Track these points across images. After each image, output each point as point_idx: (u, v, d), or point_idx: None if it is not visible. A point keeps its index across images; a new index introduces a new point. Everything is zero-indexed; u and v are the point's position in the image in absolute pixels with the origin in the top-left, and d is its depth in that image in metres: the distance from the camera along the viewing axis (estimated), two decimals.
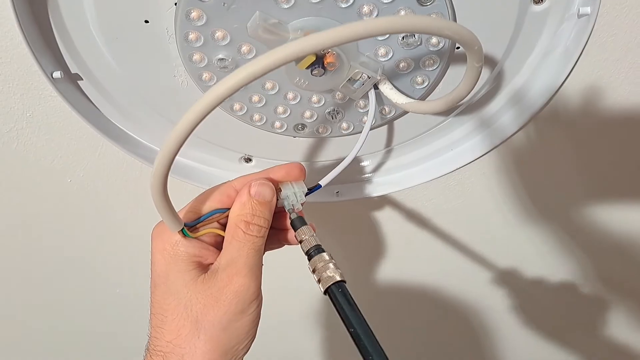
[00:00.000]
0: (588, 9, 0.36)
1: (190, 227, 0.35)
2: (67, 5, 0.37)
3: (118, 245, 0.65)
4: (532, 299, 0.76)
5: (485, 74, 0.42)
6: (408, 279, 0.73)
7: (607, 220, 0.63)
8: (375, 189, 0.54)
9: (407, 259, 0.68)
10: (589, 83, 0.45)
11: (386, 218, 0.63)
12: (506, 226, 0.65)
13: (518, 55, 0.41)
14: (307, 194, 0.38)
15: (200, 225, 0.36)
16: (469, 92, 0.34)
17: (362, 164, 0.53)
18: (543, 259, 0.68)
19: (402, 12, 0.35)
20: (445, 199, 0.61)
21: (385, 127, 0.48)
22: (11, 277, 0.69)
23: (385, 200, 0.62)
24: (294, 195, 0.38)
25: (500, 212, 0.62)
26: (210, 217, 0.36)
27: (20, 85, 0.43)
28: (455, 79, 0.42)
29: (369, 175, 0.54)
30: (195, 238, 0.35)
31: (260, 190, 0.35)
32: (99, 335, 0.81)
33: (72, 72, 0.42)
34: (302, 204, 0.38)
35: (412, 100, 0.39)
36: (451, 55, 0.40)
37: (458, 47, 0.39)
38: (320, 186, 0.40)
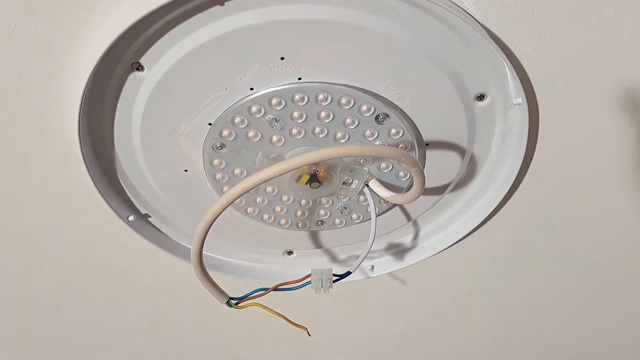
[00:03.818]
0: (520, 99, 0.43)
1: (236, 301, 0.46)
2: (129, 167, 0.50)
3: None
4: None
5: (457, 160, 0.49)
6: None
7: None
8: (412, 257, 0.61)
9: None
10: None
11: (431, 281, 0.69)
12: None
13: (482, 140, 0.48)
14: (335, 280, 0.47)
15: (246, 299, 0.46)
16: (423, 187, 0.41)
17: (390, 241, 0.62)
18: None
19: (367, 132, 0.45)
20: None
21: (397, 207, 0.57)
22: None
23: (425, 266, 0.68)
24: (321, 281, 0.47)
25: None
26: (254, 295, 0.47)
27: (103, 229, 0.58)
28: (436, 164, 0.50)
29: (400, 247, 0.62)
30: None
31: None
32: None
33: (142, 212, 0.55)
34: (329, 289, 0.47)
35: (393, 194, 0.47)
36: (423, 150, 0.48)
37: (427, 144, 0.48)
38: (350, 273, 0.49)
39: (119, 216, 0.52)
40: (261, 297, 0.47)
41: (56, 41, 0.41)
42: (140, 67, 0.42)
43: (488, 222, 0.57)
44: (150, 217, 0.56)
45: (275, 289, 0.48)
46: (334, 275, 0.48)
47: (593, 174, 0.52)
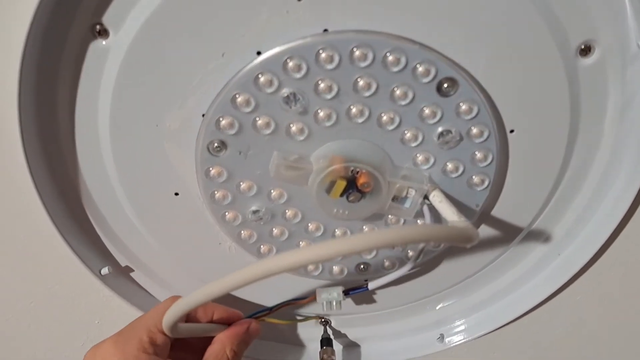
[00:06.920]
0: None
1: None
2: (99, 195, 0.37)
3: None
4: None
5: (556, 153, 0.35)
6: None
7: None
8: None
9: None
10: None
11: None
12: None
13: (591, 118, 0.34)
14: (347, 293, 0.40)
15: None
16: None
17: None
18: None
19: (427, 111, 0.31)
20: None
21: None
22: None
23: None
24: (330, 304, 0.40)
25: None
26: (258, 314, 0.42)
27: (80, 296, 0.43)
28: (524, 165, 0.35)
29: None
30: None
31: (257, 328, 0.38)
32: None
33: (123, 265, 0.41)
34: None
35: (459, 219, 0.31)
36: (504, 141, 0.34)
37: (512, 131, 0.34)
38: (367, 288, 0.39)
39: (90, 270, 0.38)
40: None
41: None
42: (103, 32, 0.30)
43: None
44: (133, 271, 0.41)
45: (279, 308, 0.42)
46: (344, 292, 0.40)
47: None
